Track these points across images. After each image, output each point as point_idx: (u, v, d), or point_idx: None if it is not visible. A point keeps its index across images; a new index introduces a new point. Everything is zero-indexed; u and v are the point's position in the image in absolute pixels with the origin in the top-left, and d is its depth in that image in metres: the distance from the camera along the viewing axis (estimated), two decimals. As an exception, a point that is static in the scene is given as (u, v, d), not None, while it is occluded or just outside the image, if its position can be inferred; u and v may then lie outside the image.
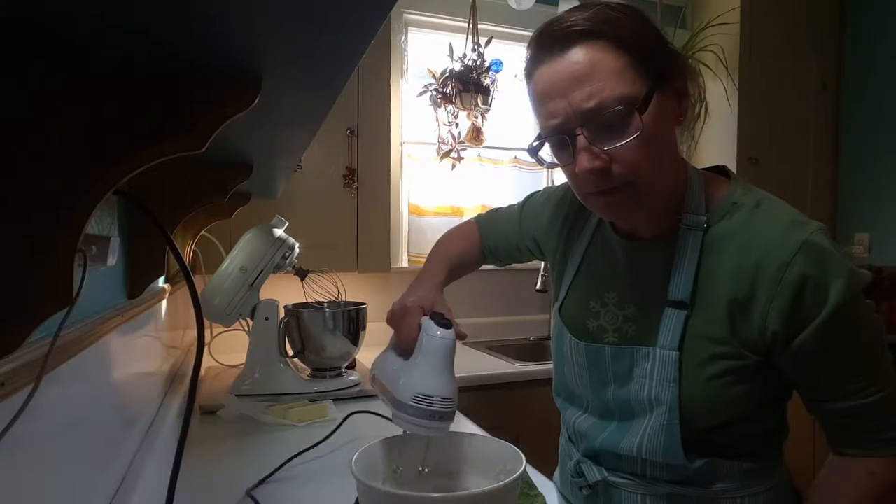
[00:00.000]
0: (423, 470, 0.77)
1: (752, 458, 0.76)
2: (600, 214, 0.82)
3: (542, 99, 0.70)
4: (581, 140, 0.68)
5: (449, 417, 0.72)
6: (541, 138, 0.73)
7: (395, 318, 0.82)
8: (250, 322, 1.53)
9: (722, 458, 0.75)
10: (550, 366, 0.96)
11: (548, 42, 0.69)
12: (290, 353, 1.56)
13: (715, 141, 2.72)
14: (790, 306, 0.67)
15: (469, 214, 2.45)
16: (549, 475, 1.03)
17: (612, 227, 0.84)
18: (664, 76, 0.68)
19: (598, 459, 0.84)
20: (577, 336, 0.84)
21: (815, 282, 0.66)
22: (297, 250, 1.59)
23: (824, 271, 0.67)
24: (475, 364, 2.03)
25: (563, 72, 0.67)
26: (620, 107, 0.65)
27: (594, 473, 0.83)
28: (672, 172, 0.74)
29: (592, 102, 0.66)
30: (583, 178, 0.70)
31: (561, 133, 0.69)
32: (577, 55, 0.66)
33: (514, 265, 1.16)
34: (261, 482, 0.99)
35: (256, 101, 0.47)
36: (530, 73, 0.72)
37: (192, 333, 1.91)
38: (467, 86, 2.15)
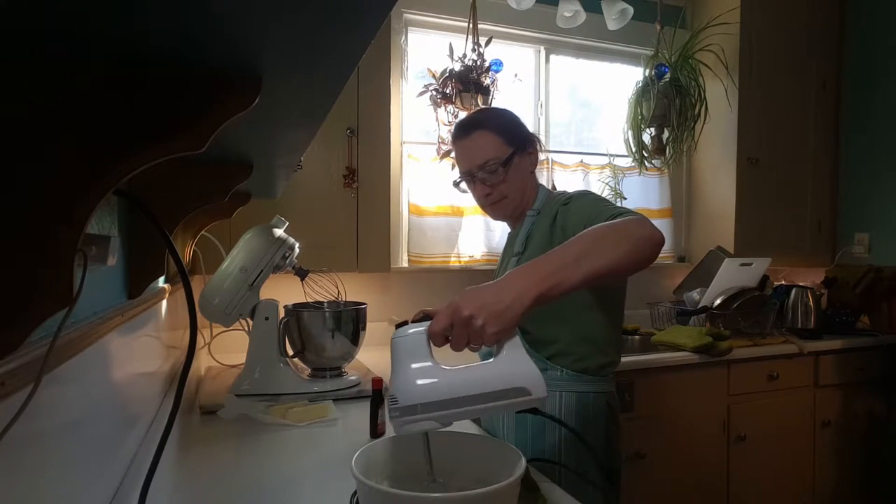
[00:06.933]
0: (430, 473, 0.77)
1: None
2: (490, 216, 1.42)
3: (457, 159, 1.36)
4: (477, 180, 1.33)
5: (393, 413, 0.74)
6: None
7: None
8: (250, 322, 1.53)
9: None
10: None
11: (459, 130, 1.34)
12: (290, 353, 1.56)
13: (715, 141, 2.72)
14: (564, 220, 1.22)
15: (469, 214, 2.45)
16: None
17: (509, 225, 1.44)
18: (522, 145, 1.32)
19: None
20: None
21: (568, 205, 1.23)
22: (297, 250, 1.59)
23: (570, 200, 1.24)
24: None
25: (466, 146, 1.32)
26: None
27: None
28: (525, 194, 1.34)
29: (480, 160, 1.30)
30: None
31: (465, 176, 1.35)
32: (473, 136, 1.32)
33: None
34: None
35: (256, 101, 0.47)
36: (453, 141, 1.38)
37: (192, 333, 1.90)
38: (467, 86, 2.15)
